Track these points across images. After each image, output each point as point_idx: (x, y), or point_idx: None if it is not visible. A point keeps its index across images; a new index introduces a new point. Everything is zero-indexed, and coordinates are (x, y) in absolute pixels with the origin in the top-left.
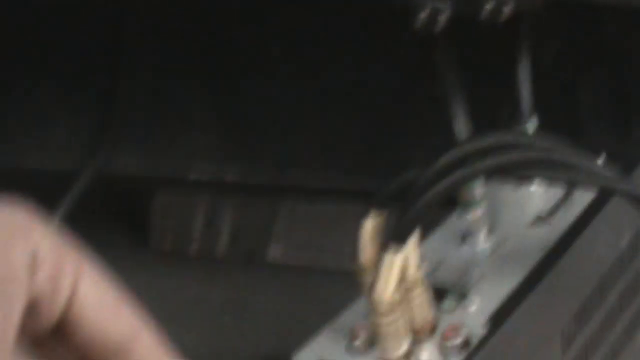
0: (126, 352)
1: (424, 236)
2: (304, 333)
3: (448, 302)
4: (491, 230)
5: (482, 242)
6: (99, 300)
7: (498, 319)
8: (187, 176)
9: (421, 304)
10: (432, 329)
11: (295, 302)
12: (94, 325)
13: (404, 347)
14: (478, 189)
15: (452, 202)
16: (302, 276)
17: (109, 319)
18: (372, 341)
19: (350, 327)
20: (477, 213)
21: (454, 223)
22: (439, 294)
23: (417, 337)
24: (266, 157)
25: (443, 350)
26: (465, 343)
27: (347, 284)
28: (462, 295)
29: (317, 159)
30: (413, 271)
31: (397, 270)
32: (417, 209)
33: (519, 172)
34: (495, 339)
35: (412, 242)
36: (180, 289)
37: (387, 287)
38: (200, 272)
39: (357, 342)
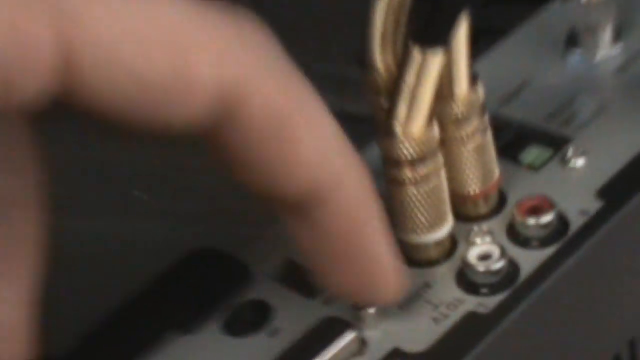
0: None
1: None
2: None
3: (530, 156)
4: (619, 34)
5: (603, 51)
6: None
7: (617, 188)
8: None
9: (478, 154)
10: (498, 199)
11: None
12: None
13: (443, 228)
14: None
15: None
16: None
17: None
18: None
19: None
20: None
21: (547, 20)
22: (515, 141)
23: (468, 211)
24: None
25: (515, 233)
26: (558, 224)
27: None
28: (556, 145)
29: None
30: (463, 93)
31: (432, 86)
32: None
33: None
34: (614, 221)
35: (462, 40)
36: None
37: (415, 113)
38: None
39: None
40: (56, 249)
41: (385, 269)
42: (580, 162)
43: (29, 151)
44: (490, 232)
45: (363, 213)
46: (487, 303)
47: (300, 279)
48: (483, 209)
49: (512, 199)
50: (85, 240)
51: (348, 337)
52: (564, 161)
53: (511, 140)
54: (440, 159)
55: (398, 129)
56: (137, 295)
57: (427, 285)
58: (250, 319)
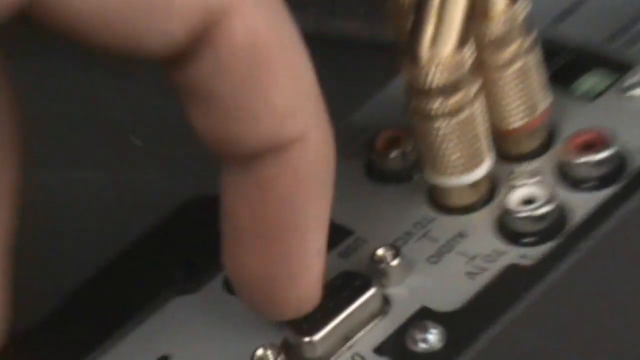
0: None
1: None
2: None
3: (586, 84)
4: None
5: None
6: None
7: None
8: None
9: (520, 81)
10: (546, 134)
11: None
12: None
13: (479, 169)
14: None
15: None
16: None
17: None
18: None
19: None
20: None
21: None
22: (568, 67)
23: (510, 149)
24: None
25: (565, 173)
26: (616, 163)
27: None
28: (617, 71)
29: None
30: (500, 10)
31: (463, 2)
32: None
33: None
34: None
35: None
36: None
37: (442, 34)
38: None
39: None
40: (49, 199)
41: (307, 271)
42: None
43: None
44: (536, 173)
45: (313, 185)
46: (531, 254)
47: None
48: (527, 145)
49: (562, 134)
50: (80, 189)
51: (368, 294)
52: (626, 90)
53: (564, 65)
54: (474, 87)
55: (423, 52)
56: (132, 250)
57: (461, 235)
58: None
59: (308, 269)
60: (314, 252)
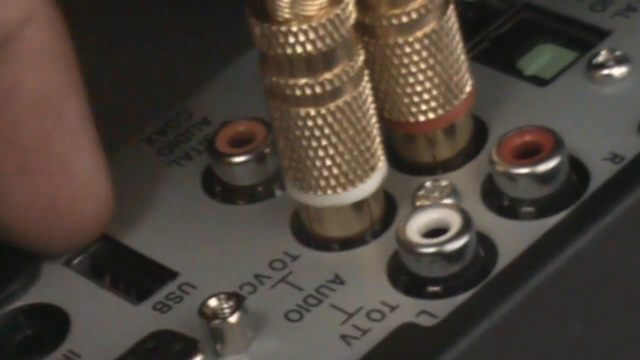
0: None
1: None
2: None
3: (535, 62)
4: None
5: None
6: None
7: None
8: None
9: (429, 53)
10: (471, 132)
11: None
12: None
13: (367, 183)
14: None
15: None
16: None
17: None
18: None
19: None
20: None
21: None
22: (510, 36)
23: (416, 154)
24: None
25: (494, 192)
26: (569, 177)
27: None
28: (579, 44)
29: None
30: None
31: None
32: None
33: None
34: None
35: None
36: None
37: None
38: None
39: None
40: None
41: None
42: (618, 71)
43: None
44: (452, 191)
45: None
46: (437, 310)
47: (117, 269)
48: (442, 150)
49: (495, 134)
50: None
51: None
52: (591, 70)
53: (504, 34)
54: (358, 58)
55: (281, 4)
56: None
57: (336, 281)
58: (30, 337)
59: (88, 176)
60: (85, 153)
